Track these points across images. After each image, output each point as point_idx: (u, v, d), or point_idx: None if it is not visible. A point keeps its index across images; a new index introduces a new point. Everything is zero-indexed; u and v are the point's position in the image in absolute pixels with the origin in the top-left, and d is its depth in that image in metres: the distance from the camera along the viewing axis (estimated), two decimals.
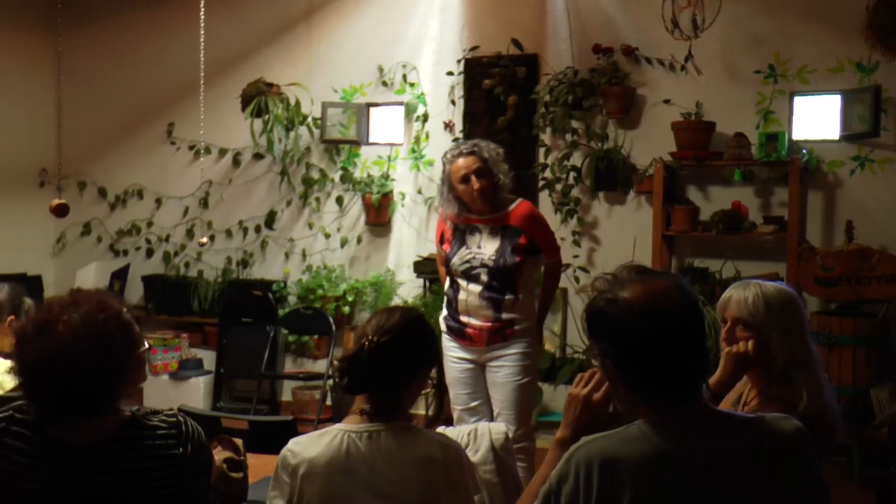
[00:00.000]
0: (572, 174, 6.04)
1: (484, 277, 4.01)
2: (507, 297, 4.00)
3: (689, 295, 1.80)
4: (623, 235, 5.92)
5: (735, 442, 1.77)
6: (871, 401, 4.88)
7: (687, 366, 1.77)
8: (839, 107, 5.33)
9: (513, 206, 4.09)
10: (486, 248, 4.04)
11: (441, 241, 4.23)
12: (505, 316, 4.01)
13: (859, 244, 5.25)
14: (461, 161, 4.03)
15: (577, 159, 6.03)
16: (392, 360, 2.22)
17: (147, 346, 2.13)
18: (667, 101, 5.85)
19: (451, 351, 4.15)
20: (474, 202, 4.04)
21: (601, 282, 1.84)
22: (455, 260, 4.09)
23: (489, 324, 4.02)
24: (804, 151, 5.51)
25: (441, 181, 4.19)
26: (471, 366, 4.12)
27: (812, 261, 5.23)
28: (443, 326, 4.20)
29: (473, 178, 3.99)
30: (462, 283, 4.08)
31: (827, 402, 2.56)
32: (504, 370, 4.04)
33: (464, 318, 4.08)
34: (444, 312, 4.21)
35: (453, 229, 4.16)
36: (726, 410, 1.94)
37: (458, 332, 4.11)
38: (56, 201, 5.94)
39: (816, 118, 5.40)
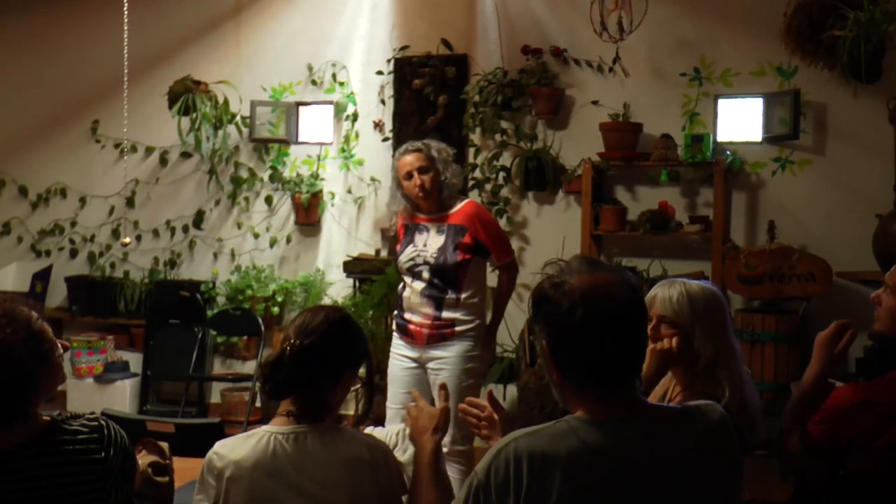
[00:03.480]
0: (502, 174, 6.08)
1: (426, 275, 4.06)
2: (448, 295, 4.04)
3: (633, 290, 1.82)
4: (552, 235, 5.98)
5: (664, 436, 1.79)
6: (792, 395, 5.00)
7: (619, 357, 1.78)
8: (761, 109, 5.45)
9: (460, 204, 4.15)
10: (430, 246, 4.08)
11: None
12: (445, 315, 4.04)
13: (780, 243, 5.38)
14: (407, 158, 4.11)
15: (506, 159, 6.08)
16: (316, 362, 2.20)
17: (63, 349, 2.09)
18: (595, 103, 5.92)
19: (397, 348, 4.19)
20: (417, 199, 4.11)
21: (552, 266, 1.85)
22: (402, 258, 4.15)
23: (429, 321, 4.05)
24: (728, 153, 5.63)
25: (392, 178, 4.25)
26: (413, 365, 4.13)
27: (736, 260, 5.34)
28: (393, 325, 4.25)
29: (416, 175, 4.06)
30: (408, 280, 4.14)
31: (748, 398, 2.62)
32: (444, 372, 4.03)
33: (407, 315, 4.13)
34: (396, 310, 4.28)
35: (405, 228, 4.23)
36: (655, 403, 1.97)
37: (403, 329, 4.16)
38: None
39: (740, 120, 5.52)
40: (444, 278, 4.05)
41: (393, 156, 4.30)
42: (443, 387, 2.36)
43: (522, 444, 1.73)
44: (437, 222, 4.13)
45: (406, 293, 4.15)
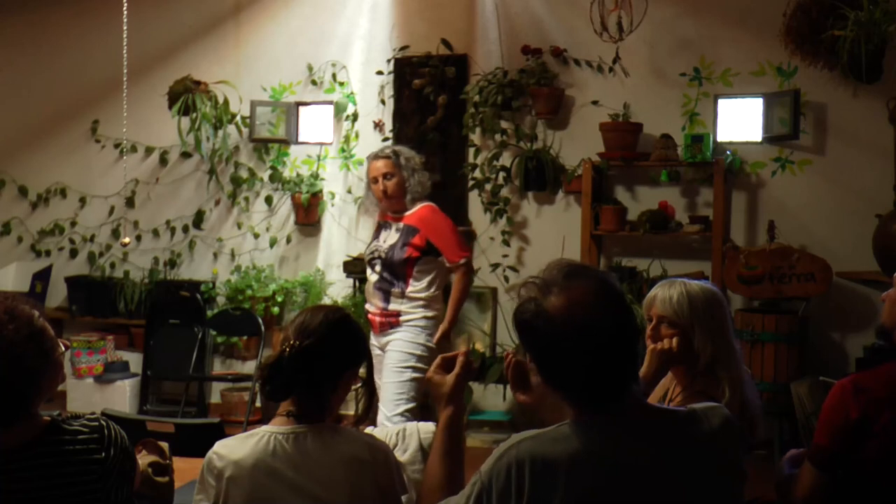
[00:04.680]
0: (502, 174, 6.08)
1: (378, 267, 4.48)
2: (395, 288, 4.41)
3: (614, 296, 1.78)
4: (552, 235, 5.98)
5: (666, 439, 1.78)
6: (791, 395, 5.01)
7: (612, 374, 1.77)
8: (761, 109, 5.45)
9: (417, 207, 4.52)
10: (387, 242, 4.48)
11: None
12: (391, 307, 4.42)
13: (780, 243, 5.38)
14: (376, 163, 4.54)
15: (506, 159, 6.07)
16: (315, 363, 2.19)
17: (64, 348, 2.09)
18: (595, 103, 5.92)
19: (371, 338, 4.50)
20: (381, 201, 4.55)
21: (528, 288, 1.80)
22: (366, 250, 4.64)
23: (379, 311, 4.44)
24: (728, 153, 5.63)
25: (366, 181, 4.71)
26: (378, 353, 4.43)
27: (736, 260, 5.34)
28: None
29: (381, 181, 4.48)
30: (368, 272, 4.59)
31: (748, 397, 2.63)
32: (389, 356, 4.39)
33: (367, 305, 4.56)
34: None
35: (378, 225, 4.65)
36: (658, 406, 1.96)
37: (366, 318, 4.57)
38: None
39: (740, 120, 5.52)
40: (391, 272, 4.43)
41: (368, 156, 4.70)
42: (464, 353, 2.17)
43: (524, 449, 1.73)
44: (398, 222, 4.53)
45: (366, 285, 4.60)
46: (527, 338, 1.81)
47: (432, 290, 4.46)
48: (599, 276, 1.81)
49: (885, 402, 2.43)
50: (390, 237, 4.49)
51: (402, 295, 4.39)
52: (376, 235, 4.60)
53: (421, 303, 4.40)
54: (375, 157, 4.56)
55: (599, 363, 1.74)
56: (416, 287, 4.41)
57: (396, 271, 4.41)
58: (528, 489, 1.70)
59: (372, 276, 4.51)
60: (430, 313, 4.42)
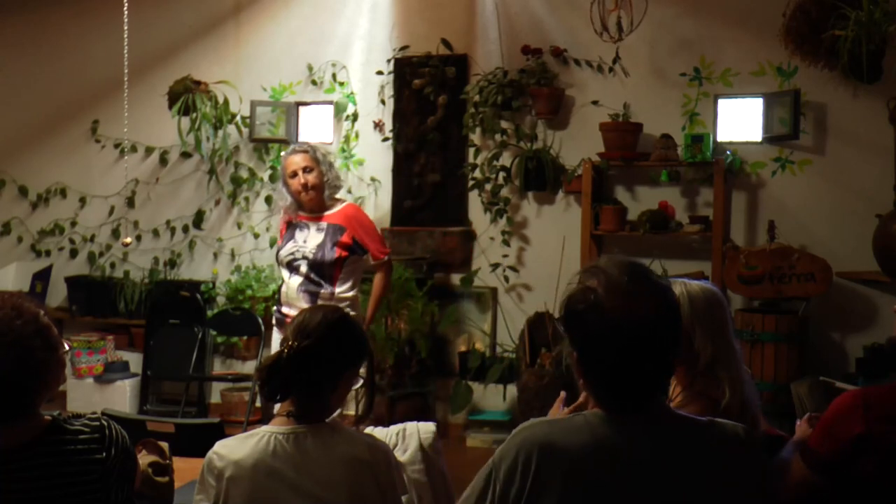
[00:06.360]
0: (502, 174, 6.08)
1: (303, 269, 4.38)
2: (323, 290, 4.35)
3: (673, 317, 1.79)
4: (552, 235, 5.98)
5: (677, 443, 1.78)
6: (791, 395, 5.01)
7: (647, 382, 1.78)
8: (761, 109, 5.45)
9: (340, 206, 4.51)
10: (310, 242, 4.41)
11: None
12: None
13: (780, 243, 5.38)
14: (294, 158, 4.49)
15: (506, 159, 6.07)
16: (314, 365, 2.19)
17: (67, 347, 2.10)
18: (595, 103, 5.92)
19: (278, 343, 4.41)
20: (299, 196, 4.45)
21: (588, 275, 1.79)
22: (282, 252, 4.49)
23: None
24: (728, 153, 5.63)
25: (280, 176, 4.62)
26: None
27: (736, 260, 5.34)
28: (273, 320, 4.55)
29: (301, 174, 4.43)
30: (286, 274, 4.46)
31: (748, 398, 2.62)
32: None
33: (285, 309, 4.43)
34: (275, 306, 4.58)
35: (288, 226, 4.55)
36: (677, 412, 1.95)
37: (281, 323, 4.45)
38: None
39: (740, 120, 5.52)
40: (320, 273, 4.35)
41: (282, 155, 4.57)
42: None
43: (538, 433, 1.75)
44: (317, 221, 4.47)
45: (284, 289, 4.47)
46: (573, 325, 1.80)
47: (354, 291, 4.45)
48: (665, 289, 1.80)
49: (894, 421, 2.41)
50: (312, 237, 4.41)
51: (332, 297, 4.32)
52: (291, 236, 4.48)
53: (347, 303, 4.30)
54: (293, 151, 4.51)
55: (638, 370, 1.76)
56: (342, 288, 4.38)
57: (325, 272, 4.36)
58: (532, 472, 1.72)
59: (294, 279, 4.39)
60: (354, 313, 4.30)
